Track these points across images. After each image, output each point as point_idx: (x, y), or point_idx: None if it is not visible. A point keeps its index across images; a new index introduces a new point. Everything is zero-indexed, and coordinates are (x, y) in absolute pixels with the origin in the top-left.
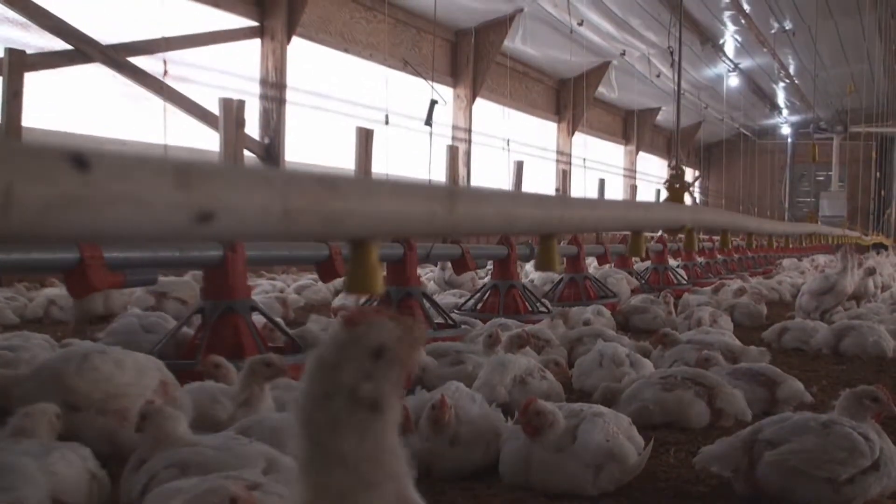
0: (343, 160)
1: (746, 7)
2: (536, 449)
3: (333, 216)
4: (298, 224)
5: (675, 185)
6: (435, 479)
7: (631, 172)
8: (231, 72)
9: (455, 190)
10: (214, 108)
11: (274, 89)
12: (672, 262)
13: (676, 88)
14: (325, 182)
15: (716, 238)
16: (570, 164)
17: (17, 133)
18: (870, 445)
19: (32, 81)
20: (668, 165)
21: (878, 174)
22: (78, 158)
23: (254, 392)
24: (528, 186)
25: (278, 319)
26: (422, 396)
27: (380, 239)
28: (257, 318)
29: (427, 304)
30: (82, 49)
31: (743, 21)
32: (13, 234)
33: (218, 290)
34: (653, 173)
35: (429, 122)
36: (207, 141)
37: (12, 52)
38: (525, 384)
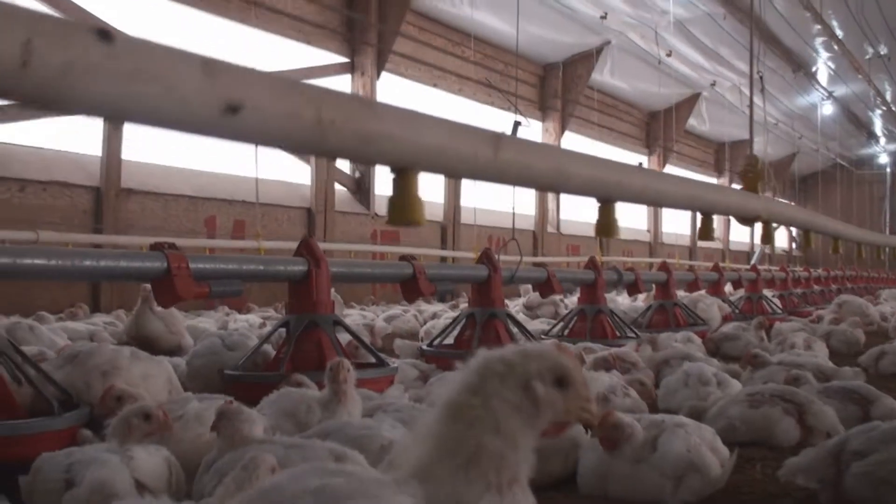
0: (433, 194)
1: (839, 33)
2: (615, 460)
3: (370, 136)
4: (331, 137)
5: (749, 175)
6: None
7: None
8: None
9: (502, 135)
10: None
11: None
12: (767, 292)
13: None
14: (363, 101)
15: (813, 269)
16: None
17: (116, 167)
18: None
19: None
20: (745, 156)
21: None
22: (102, 32)
23: (341, 393)
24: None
25: (361, 335)
26: None
27: (420, 170)
28: (343, 337)
29: (512, 326)
30: None
31: (836, 47)
32: (30, 93)
33: (302, 305)
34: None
35: (515, 130)
36: (300, 175)
37: None
38: (607, 401)
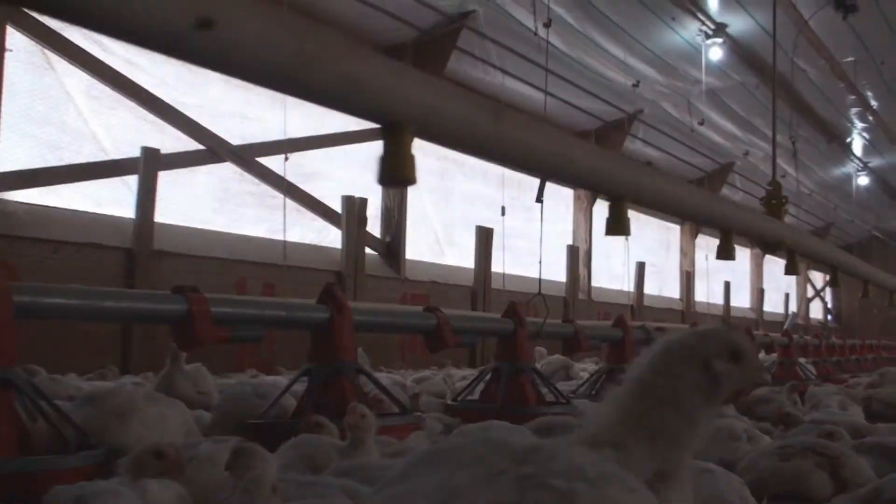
0: (464, 259)
1: (874, 103)
2: None
3: (358, 80)
4: (314, 75)
5: (773, 202)
6: None
7: (757, 276)
8: (355, 170)
9: (503, 106)
10: (338, 206)
11: (395, 189)
12: (801, 359)
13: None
14: (350, 43)
15: (850, 340)
16: (693, 266)
17: (149, 229)
18: None
19: (165, 180)
20: (767, 184)
21: None
22: None
23: (358, 440)
24: (650, 288)
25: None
26: None
27: (412, 127)
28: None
29: (538, 381)
30: (213, 149)
31: (870, 118)
32: None
33: (324, 352)
34: (780, 278)
35: (539, 198)
36: (331, 239)
37: (147, 151)
38: None
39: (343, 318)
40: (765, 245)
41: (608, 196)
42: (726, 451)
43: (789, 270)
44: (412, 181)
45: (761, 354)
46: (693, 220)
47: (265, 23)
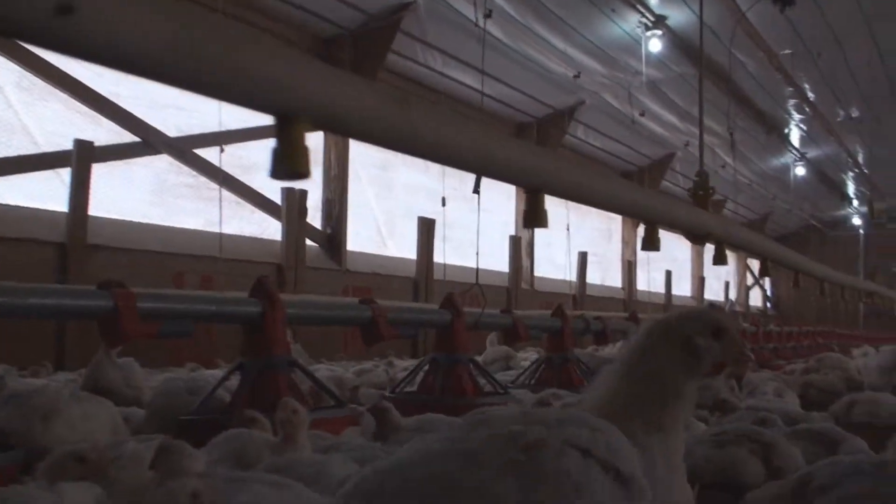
0: (407, 251)
1: (811, 95)
2: None
3: (245, 71)
4: (193, 64)
5: (700, 193)
6: None
7: (698, 264)
8: None
9: (410, 97)
10: (278, 198)
11: (336, 180)
12: None
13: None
14: (237, 26)
15: (787, 327)
16: (634, 256)
17: (83, 223)
18: None
19: (99, 172)
20: (695, 173)
21: None
22: None
23: (290, 435)
24: (592, 278)
25: (320, 379)
26: None
27: (308, 120)
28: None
29: (476, 372)
30: (148, 141)
31: (807, 109)
32: None
33: (257, 347)
34: (721, 266)
35: (476, 190)
36: (271, 231)
37: (80, 144)
38: None
39: (275, 311)
40: (692, 236)
41: (524, 188)
42: None
43: (717, 261)
44: (306, 175)
45: None
46: (615, 212)
47: (136, 7)
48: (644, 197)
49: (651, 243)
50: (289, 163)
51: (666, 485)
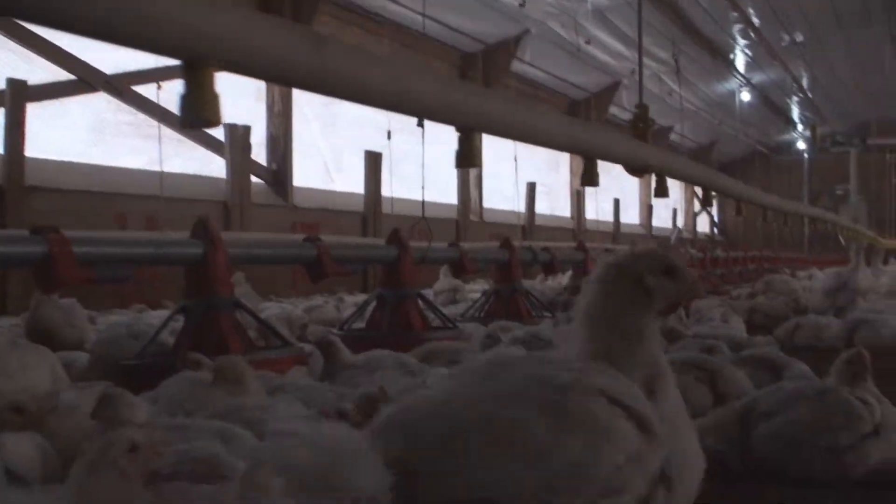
0: (354, 185)
1: (755, 20)
2: None
3: (147, 13)
4: (89, 8)
5: (639, 125)
6: None
7: (646, 192)
8: (238, 97)
9: (328, 37)
10: (221, 135)
11: (280, 116)
12: None
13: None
14: None
15: (733, 253)
16: (583, 185)
17: (20, 164)
18: (869, 410)
19: (35, 113)
20: (635, 105)
21: (895, 181)
22: None
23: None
24: (541, 208)
25: (266, 320)
26: (404, 383)
27: (216, 64)
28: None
29: (424, 306)
30: (85, 79)
31: (752, 35)
32: None
33: (200, 288)
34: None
35: (420, 123)
36: (216, 169)
37: (14, 83)
38: None
39: (217, 252)
40: (631, 169)
41: (456, 128)
42: None
43: (658, 193)
44: (215, 122)
45: None
46: (552, 147)
47: None
48: (581, 132)
49: (590, 179)
50: (197, 109)
51: (674, 424)
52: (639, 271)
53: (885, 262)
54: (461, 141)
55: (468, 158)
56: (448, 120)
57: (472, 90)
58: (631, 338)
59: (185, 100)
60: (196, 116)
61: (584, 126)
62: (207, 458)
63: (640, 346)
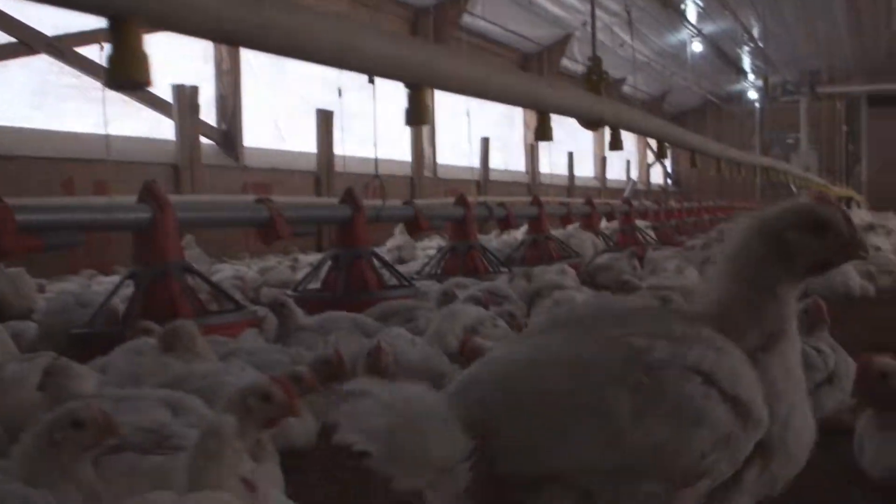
0: (306, 144)
1: None
2: None
3: None
4: None
5: (593, 78)
6: None
7: (599, 144)
8: (185, 58)
9: None
10: (169, 96)
11: (228, 75)
12: (641, 223)
13: None
14: None
15: (687, 203)
16: (536, 139)
17: None
18: (823, 358)
19: None
20: (588, 58)
21: (845, 128)
22: None
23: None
24: (495, 163)
25: (217, 283)
26: (359, 343)
27: (143, 20)
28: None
29: (379, 265)
30: (25, 41)
31: None
32: None
33: (149, 254)
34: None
35: (371, 79)
36: (164, 130)
37: None
38: (476, 333)
39: (165, 216)
40: (585, 122)
41: (405, 84)
42: None
43: (613, 146)
44: (144, 83)
45: (602, 223)
46: (505, 103)
47: None
48: (534, 87)
49: (543, 133)
50: (124, 69)
51: (786, 397)
52: (780, 226)
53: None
54: (410, 98)
55: (418, 116)
56: (395, 76)
57: (419, 45)
58: (761, 296)
59: (112, 59)
60: (122, 77)
61: (537, 81)
62: (157, 428)
63: (769, 305)
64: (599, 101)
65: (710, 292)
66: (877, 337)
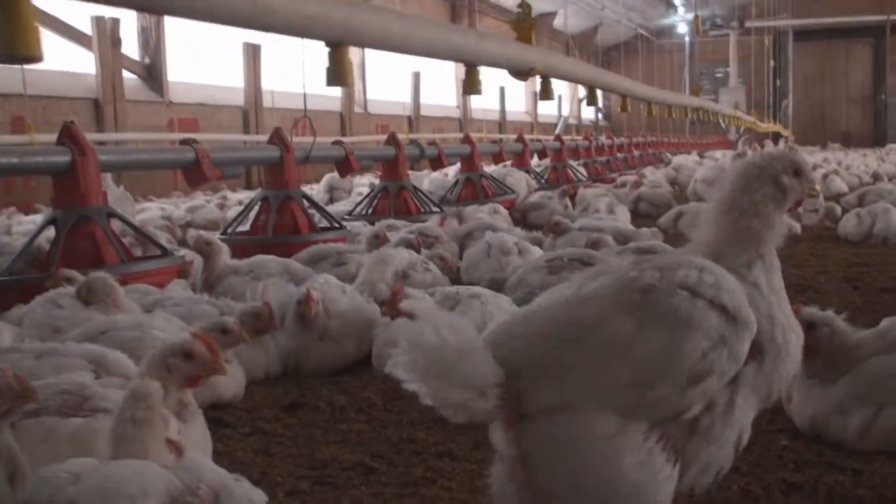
0: (233, 79)
1: None
2: None
3: None
4: None
5: (523, 25)
6: (305, 377)
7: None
8: None
9: None
10: (88, 29)
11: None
12: (572, 161)
13: None
14: None
15: (617, 138)
16: (465, 94)
17: None
18: None
19: None
20: (517, 4)
21: (772, 63)
22: None
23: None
24: (426, 98)
25: (140, 227)
26: (288, 291)
27: None
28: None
29: (309, 207)
30: None
31: None
32: None
33: (69, 198)
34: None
35: None
36: (84, 63)
37: None
38: (407, 278)
39: (86, 159)
40: (516, 73)
41: (325, 43)
42: (497, 267)
43: (544, 96)
44: (34, 57)
45: (534, 160)
46: (433, 57)
47: None
48: (460, 40)
49: (472, 86)
50: (10, 42)
51: (771, 303)
52: (777, 171)
53: (776, 143)
54: (331, 57)
55: (339, 76)
56: (313, 35)
57: (338, 2)
58: (763, 231)
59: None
60: (8, 47)
61: (465, 35)
62: (77, 389)
63: (766, 232)
64: (529, 50)
65: (705, 227)
66: (800, 274)
